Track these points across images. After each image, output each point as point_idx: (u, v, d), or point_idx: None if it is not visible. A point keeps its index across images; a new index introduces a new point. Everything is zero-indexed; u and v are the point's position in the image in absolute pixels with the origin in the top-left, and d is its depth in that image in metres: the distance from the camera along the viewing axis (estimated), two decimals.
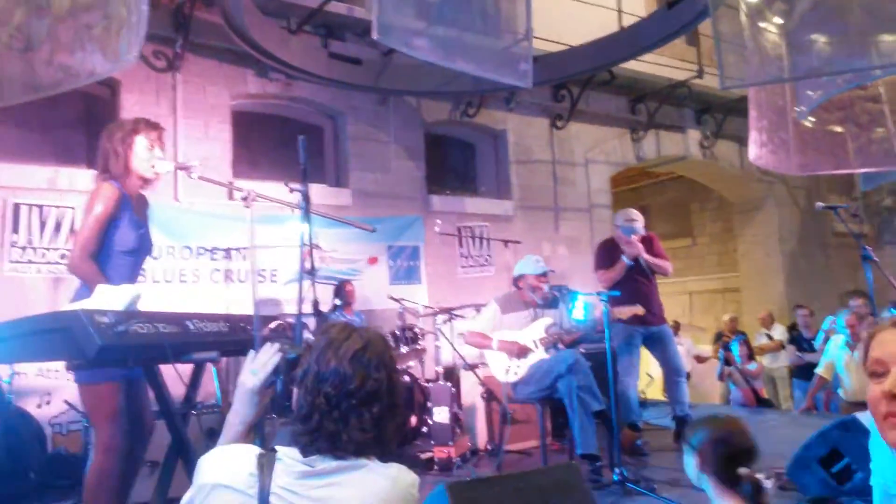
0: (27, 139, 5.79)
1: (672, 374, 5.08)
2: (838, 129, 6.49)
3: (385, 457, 1.47)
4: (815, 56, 5.20)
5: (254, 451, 1.45)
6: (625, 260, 4.96)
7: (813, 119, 6.42)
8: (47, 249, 5.43)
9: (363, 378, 1.45)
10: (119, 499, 2.68)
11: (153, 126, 2.90)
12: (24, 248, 5.37)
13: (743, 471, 1.96)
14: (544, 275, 4.68)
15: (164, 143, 2.95)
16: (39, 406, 5.11)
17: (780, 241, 10.78)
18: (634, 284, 4.98)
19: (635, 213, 5.17)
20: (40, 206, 5.45)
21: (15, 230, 5.34)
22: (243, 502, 1.36)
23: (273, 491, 1.36)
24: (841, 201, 11.27)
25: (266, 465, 1.39)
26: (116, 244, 2.76)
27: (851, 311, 6.16)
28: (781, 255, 10.73)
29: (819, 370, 6.28)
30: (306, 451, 1.42)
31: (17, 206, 5.36)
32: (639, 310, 4.63)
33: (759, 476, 2.00)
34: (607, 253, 5.15)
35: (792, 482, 3.68)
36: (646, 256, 4.99)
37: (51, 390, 5.10)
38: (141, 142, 2.83)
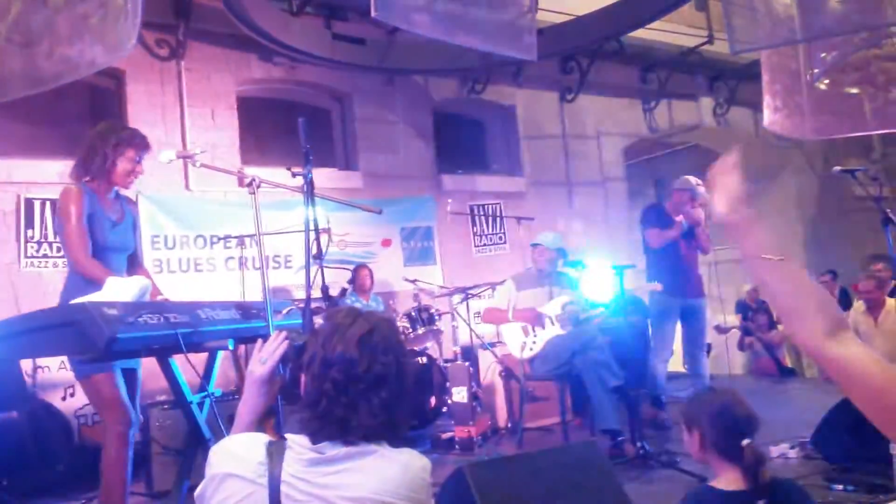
0: (36, 134, 5.80)
1: (693, 348, 5.04)
2: (854, 90, 6.32)
3: (396, 441, 1.44)
4: (828, 15, 5.06)
5: (263, 439, 1.43)
6: (684, 225, 4.86)
7: (827, 81, 6.26)
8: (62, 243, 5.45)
9: (370, 362, 1.42)
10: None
11: (144, 145, 2.99)
12: (39, 243, 5.40)
13: (745, 442, 1.93)
14: (561, 255, 4.70)
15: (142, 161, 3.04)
16: (64, 399, 5.17)
17: (798, 207, 10.60)
18: (678, 252, 4.91)
19: (695, 180, 5.09)
20: (53, 201, 5.46)
21: (29, 225, 5.37)
22: (254, 491, 1.35)
23: (283, 479, 1.35)
24: (860, 164, 11.04)
25: (275, 453, 1.38)
26: (93, 242, 2.85)
27: (870, 275, 6.03)
28: (801, 221, 10.56)
29: None
30: (316, 438, 1.40)
31: (30, 202, 5.38)
32: (657, 286, 4.59)
33: (759, 446, 1.98)
34: (658, 215, 5.07)
35: (817, 451, 3.63)
36: (704, 226, 4.91)
37: (74, 383, 5.14)
38: (130, 155, 2.92)
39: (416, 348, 5.45)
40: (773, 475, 1.98)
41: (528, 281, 4.72)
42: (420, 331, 5.42)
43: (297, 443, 1.40)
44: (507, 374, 5.18)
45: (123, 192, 3.13)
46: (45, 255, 5.40)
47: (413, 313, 5.49)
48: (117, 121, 3.08)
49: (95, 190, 2.93)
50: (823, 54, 6.18)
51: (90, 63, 3.38)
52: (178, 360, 2.50)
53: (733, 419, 1.98)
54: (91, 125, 6.11)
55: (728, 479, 1.96)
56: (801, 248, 10.51)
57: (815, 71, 6.32)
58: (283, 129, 6.89)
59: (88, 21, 3.35)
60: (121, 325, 2.01)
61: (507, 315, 4.54)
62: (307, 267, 2.43)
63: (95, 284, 2.51)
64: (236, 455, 1.40)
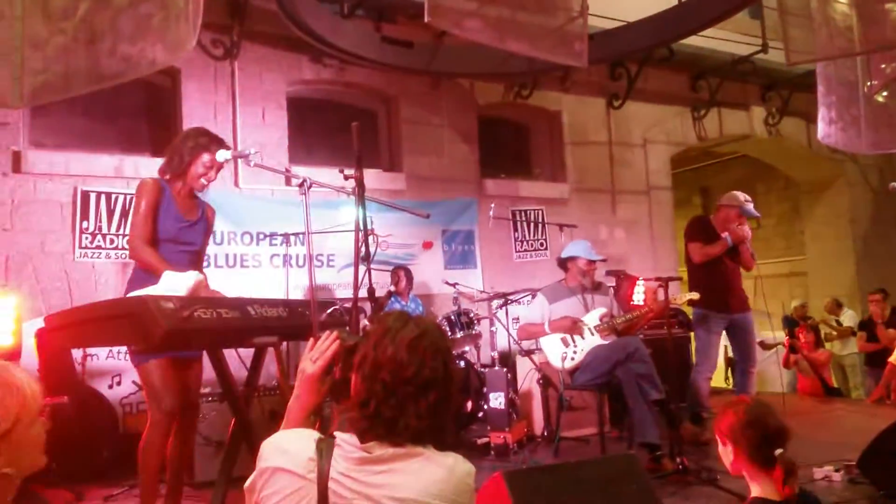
0: (93, 128, 5.99)
1: (744, 364, 4.95)
2: None
3: (442, 445, 1.46)
4: (889, 26, 4.92)
5: (313, 436, 1.46)
6: (728, 240, 4.80)
7: (886, 94, 6.08)
8: (116, 236, 5.61)
9: (419, 366, 1.44)
10: (177, 472, 2.81)
11: (223, 146, 3.10)
12: (93, 235, 5.57)
13: (778, 452, 1.95)
14: (595, 263, 4.65)
15: (219, 170, 3.17)
16: (111, 387, 5.32)
17: (850, 222, 10.31)
18: (720, 267, 4.86)
19: (746, 196, 5.01)
20: (108, 194, 5.64)
21: (84, 217, 5.55)
22: (302, 486, 1.38)
23: (332, 476, 1.37)
24: None
25: (325, 450, 1.41)
26: (159, 233, 3.00)
27: None
28: (852, 237, 10.27)
29: (893, 358, 6.00)
30: (364, 438, 1.43)
31: (85, 194, 5.56)
32: (695, 295, 4.52)
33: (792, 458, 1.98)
34: (704, 228, 5.02)
35: (863, 475, 3.53)
36: (748, 244, 4.85)
37: (120, 371, 5.30)
38: (205, 159, 3.04)
39: (454, 352, 5.46)
40: (801, 488, 2.01)
41: (560, 293, 4.68)
42: (458, 335, 5.43)
43: (345, 441, 1.43)
44: (545, 381, 5.15)
45: (205, 198, 3.27)
46: (98, 247, 5.57)
47: (452, 317, 5.50)
48: (203, 128, 3.26)
49: (173, 187, 3.09)
50: (883, 66, 6.02)
51: (151, 62, 3.49)
52: (227, 354, 2.56)
53: (765, 428, 1.99)
54: (147, 121, 6.36)
55: (763, 491, 1.98)
56: (852, 264, 10.22)
57: (874, 83, 6.15)
58: (330, 129, 6.98)
59: (151, 21, 3.46)
60: (176, 318, 2.07)
61: (542, 328, 4.52)
62: (355, 267, 2.47)
63: (156, 278, 2.60)
64: (286, 450, 1.44)
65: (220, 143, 3.09)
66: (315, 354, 1.71)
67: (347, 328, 2.07)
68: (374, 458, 1.40)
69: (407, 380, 1.44)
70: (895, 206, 10.54)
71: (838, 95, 6.21)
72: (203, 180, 3.08)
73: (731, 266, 4.89)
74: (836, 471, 3.75)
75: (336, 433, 1.45)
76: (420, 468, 1.40)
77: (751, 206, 4.92)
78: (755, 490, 2.01)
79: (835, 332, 7.97)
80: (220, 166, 3.11)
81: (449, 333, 5.43)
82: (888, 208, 10.50)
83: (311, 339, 1.75)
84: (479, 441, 4.81)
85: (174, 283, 2.32)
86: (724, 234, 4.82)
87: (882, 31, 5.03)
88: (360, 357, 1.50)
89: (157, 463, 2.84)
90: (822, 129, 5.92)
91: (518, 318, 6.93)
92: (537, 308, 4.69)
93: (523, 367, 5.44)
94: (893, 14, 5.04)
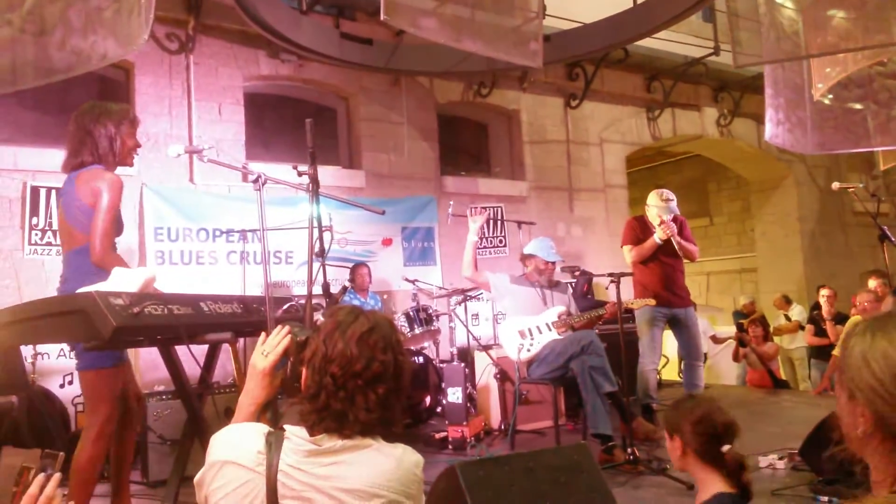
0: (43, 122, 5.85)
1: (690, 358, 5.07)
2: (857, 106, 6.38)
3: (390, 437, 1.49)
4: (831, 31, 5.11)
5: (263, 429, 1.48)
6: (656, 239, 4.93)
7: (831, 97, 6.30)
8: None
9: (369, 360, 1.47)
10: (113, 469, 2.77)
11: (137, 118, 2.99)
12: (43, 231, 5.44)
13: (726, 448, 1.95)
14: (553, 263, 4.74)
15: None
16: (62, 386, 5.21)
17: (798, 220, 10.65)
18: (660, 264, 4.97)
19: (670, 193, 5.13)
20: (59, 189, 5.49)
21: (34, 213, 5.42)
22: (251, 479, 1.40)
23: (280, 468, 1.39)
24: (861, 180, 11.11)
25: (274, 443, 1.42)
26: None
27: (868, 290, 6.08)
28: (800, 234, 10.61)
29: (836, 351, 6.23)
30: (313, 431, 1.45)
31: (35, 189, 5.43)
32: (650, 301, 4.64)
33: (741, 453, 2.00)
34: (636, 230, 5.13)
35: (804, 462, 3.68)
36: (677, 238, 4.96)
37: (72, 370, 5.18)
38: (131, 131, 2.92)
39: (413, 348, 5.50)
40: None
41: (521, 281, 4.77)
42: (417, 331, 5.47)
43: (295, 434, 1.45)
44: (502, 376, 5.22)
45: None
46: (48, 243, 5.45)
47: (411, 313, 5.54)
48: (95, 100, 2.98)
49: None
50: (828, 69, 6.23)
51: (102, 56, 3.44)
52: (179, 352, 2.55)
53: (713, 426, 1.99)
54: None
55: (709, 485, 1.98)
56: (800, 260, 10.56)
57: (819, 86, 6.36)
58: (288, 125, 6.95)
59: (102, 14, 3.41)
60: (126, 314, 2.06)
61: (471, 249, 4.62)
62: (309, 264, 2.48)
63: (102, 273, 2.53)
64: (236, 444, 1.45)
65: (127, 107, 2.97)
66: (266, 349, 1.73)
67: (301, 323, 2.08)
68: (324, 451, 1.42)
69: (356, 373, 1.46)
70: (840, 205, 10.94)
71: (786, 97, 6.42)
72: (135, 154, 2.95)
73: (670, 262, 5.01)
74: (780, 459, 3.90)
75: (285, 426, 1.47)
76: (368, 459, 1.43)
77: (669, 204, 5.03)
78: (703, 487, 2.00)
79: (781, 329, 8.22)
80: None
81: (408, 329, 5.47)
82: (834, 207, 10.90)
83: (263, 334, 1.76)
84: (438, 435, 4.86)
85: (125, 279, 2.30)
86: (654, 234, 4.95)
87: (826, 36, 5.22)
88: (310, 351, 1.52)
89: (98, 475, 2.71)
90: (770, 130, 6.10)
91: (478, 315, 7.02)
92: (498, 275, 4.77)
93: (481, 361, 5.51)
94: (835, 20, 5.23)
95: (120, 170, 2.97)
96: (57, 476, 1.44)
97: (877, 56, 5.69)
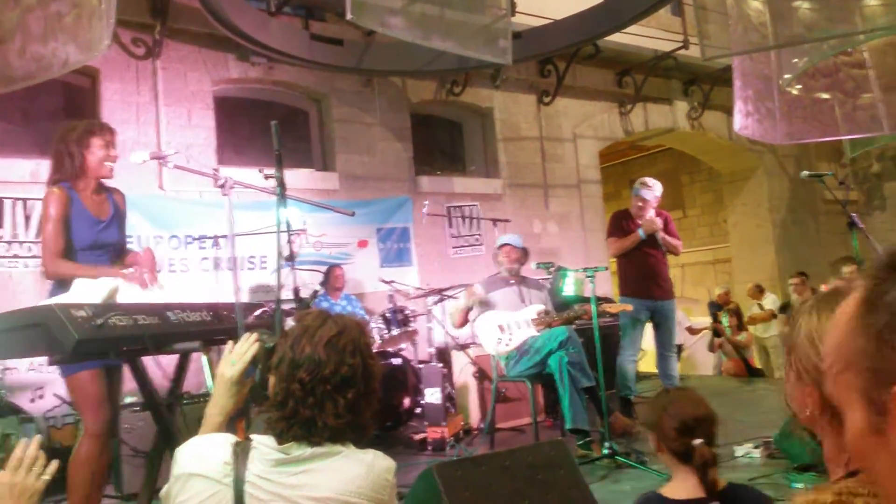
0: (8, 132, 5.73)
1: (662, 349, 5.12)
2: (825, 96, 6.46)
3: (361, 442, 1.47)
4: (799, 23, 5.17)
5: (229, 439, 1.45)
6: (640, 233, 4.95)
7: (799, 87, 6.39)
8: (34, 243, 5.38)
9: (337, 364, 1.45)
10: (100, 485, 2.75)
11: (107, 129, 2.98)
12: (9, 243, 5.33)
13: (696, 442, 1.91)
14: (524, 251, 4.74)
15: (115, 145, 3.02)
16: (32, 400, 5.09)
17: (770, 210, 10.79)
18: (644, 257, 5.00)
19: (652, 181, 5.16)
20: (24, 200, 5.40)
21: (0, 224, 5.30)
22: (218, 491, 1.37)
23: (248, 479, 1.37)
24: (830, 169, 11.28)
25: (241, 453, 1.40)
26: (75, 242, 2.85)
27: (841, 277, 6.17)
28: (772, 224, 10.75)
29: (784, 330, 6.31)
30: (282, 439, 1.43)
31: (1, 201, 5.31)
32: (628, 307, 4.68)
33: (710, 448, 1.93)
34: (621, 222, 5.16)
35: (780, 450, 3.72)
36: (662, 234, 4.99)
37: (42, 384, 5.08)
38: (97, 143, 2.90)
39: (390, 349, 5.47)
40: (730, 480, 1.98)
41: (496, 283, 4.76)
42: (394, 332, 5.44)
43: (262, 443, 1.42)
44: (481, 374, 5.22)
45: (110, 183, 3.10)
46: (15, 256, 5.33)
47: (388, 314, 5.51)
48: (74, 120, 3.06)
49: (78, 189, 2.91)
50: (795, 60, 6.31)
51: (64, 62, 3.37)
52: (149, 362, 2.50)
53: (685, 420, 1.96)
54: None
55: (681, 482, 1.95)
56: (772, 250, 10.70)
57: (787, 76, 6.44)
58: (260, 129, 6.87)
59: (62, 20, 3.35)
60: (88, 326, 2.01)
61: (461, 304, 4.62)
62: (278, 269, 2.45)
63: (67, 285, 2.51)
64: (201, 455, 1.42)
65: (98, 123, 3.00)
66: (234, 357, 1.70)
67: (269, 329, 2.06)
68: (292, 459, 1.40)
69: (325, 378, 1.44)
70: (810, 194, 11.10)
71: (754, 89, 6.48)
72: (108, 164, 2.93)
73: (654, 254, 5.05)
74: (756, 447, 3.94)
75: (253, 436, 1.45)
76: (338, 466, 1.41)
77: (642, 187, 5.08)
78: (674, 484, 1.97)
79: (755, 318, 8.32)
80: (113, 144, 2.97)
81: (385, 331, 5.44)
82: (804, 196, 11.05)
83: (230, 342, 1.73)
84: (417, 437, 4.84)
85: (88, 291, 2.25)
86: (639, 228, 4.98)
87: (792, 27, 5.28)
88: (277, 357, 1.50)
89: (97, 481, 2.75)
90: (739, 122, 6.16)
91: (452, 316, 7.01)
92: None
93: (459, 361, 5.50)
94: (801, 10, 5.30)
95: None
96: (38, 438, 1.52)
97: (843, 46, 5.77)
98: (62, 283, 2.69)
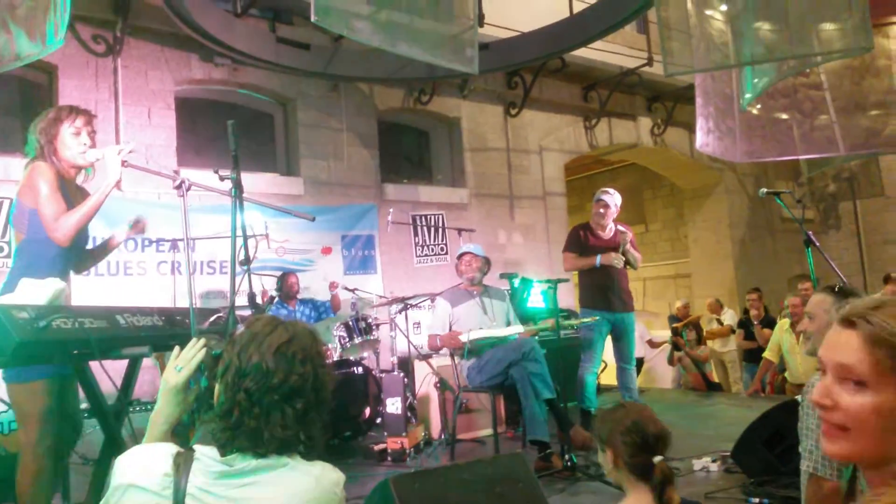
0: None
1: (621, 362, 5.15)
2: (783, 116, 6.63)
3: (310, 454, 1.41)
4: (759, 43, 5.28)
5: (172, 450, 1.38)
6: (597, 261, 4.99)
7: (759, 106, 6.53)
8: None
9: (286, 373, 1.39)
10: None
11: (79, 112, 2.73)
12: None
13: (656, 459, 1.89)
14: (487, 262, 4.73)
15: (94, 127, 2.79)
16: None
17: (729, 226, 11.00)
18: (605, 270, 5.03)
19: (612, 190, 5.21)
20: None
21: None
22: None
23: (189, 492, 1.30)
24: (788, 187, 11.56)
25: (182, 464, 1.33)
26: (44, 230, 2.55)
27: (798, 294, 6.30)
28: (731, 240, 10.96)
29: (766, 353, 6.43)
30: (226, 450, 1.36)
31: None
32: (595, 318, 4.74)
33: (669, 464, 1.93)
34: (578, 236, 5.18)
35: (737, 464, 3.75)
36: (620, 260, 5.02)
37: None
38: (66, 130, 2.67)
39: (352, 358, 5.39)
40: (684, 497, 1.98)
41: (459, 296, 4.73)
42: (357, 340, 5.37)
43: (205, 454, 1.36)
44: (443, 385, 5.17)
45: (82, 183, 2.86)
46: None
47: (350, 322, 5.43)
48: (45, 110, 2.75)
49: (63, 174, 2.67)
50: (756, 80, 6.44)
51: (14, 56, 3.26)
52: (97, 368, 2.40)
53: (644, 436, 1.94)
54: (21, 120, 5.93)
55: (636, 499, 1.92)
56: (731, 265, 10.90)
57: (748, 95, 6.57)
58: (223, 131, 6.72)
59: (14, 12, 3.24)
60: (31, 329, 1.92)
61: (436, 342, 4.60)
62: (232, 273, 2.38)
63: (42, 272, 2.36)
64: (141, 465, 1.35)
65: (66, 107, 2.73)
66: (180, 363, 1.64)
67: (219, 336, 1.99)
68: (236, 471, 1.34)
69: (273, 388, 1.39)
70: (769, 212, 11.36)
71: (716, 107, 6.60)
72: (81, 148, 2.67)
73: (615, 267, 5.09)
74: (714, 461, 3.97)
75: (195, 446, 1.38)
76: (284, 479, 1.35)
77: (603, 196, 5.13)
78: (630, 501, 1.94)
79: (713, 333, 8.45)
80: (93, 129, 2.73)
81: (347, 339, 5.36)
82: (762, 213, 11.31)
83: (177, 348, 1.67)
84: (376, 447, 4.76)
85: (32, 292, 2.16)
86: (597, 257, 5.02)
87: (753, 47, 5.39)
88: (223, 364, 1.44)
89: (48, 495, 2.51)
90: (700, 139, 6.27)
91: (419, 323, 6.95)
92: (441, 313, 4.69)
93: (421, 371, 5.44)
94: (763, 31, 5.41)
95: None
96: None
97: (801, 67, 5.91)
98: (8, 284, 2.54)
